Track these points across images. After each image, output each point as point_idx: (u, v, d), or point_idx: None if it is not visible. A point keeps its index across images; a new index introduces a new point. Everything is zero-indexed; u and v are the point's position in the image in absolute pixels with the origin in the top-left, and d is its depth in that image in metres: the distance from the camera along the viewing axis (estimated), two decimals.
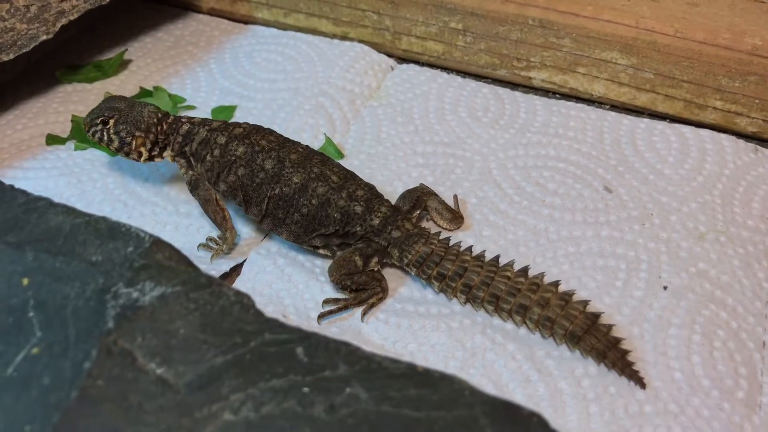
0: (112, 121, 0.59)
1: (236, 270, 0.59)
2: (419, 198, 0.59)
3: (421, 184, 0.62)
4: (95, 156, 0.67)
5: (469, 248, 0.54)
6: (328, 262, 0.56)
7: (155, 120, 0.59)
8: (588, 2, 0.68)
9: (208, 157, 0.58)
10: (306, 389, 0.36)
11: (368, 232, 0.55)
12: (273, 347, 0.38)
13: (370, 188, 0.57)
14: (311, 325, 0.54)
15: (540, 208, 0.61)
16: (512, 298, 0.51)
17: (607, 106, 0.71)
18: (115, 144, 0.59)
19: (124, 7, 0.82)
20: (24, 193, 0.45)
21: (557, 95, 0.73)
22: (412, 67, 0.77)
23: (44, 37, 0.67)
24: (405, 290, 0.56)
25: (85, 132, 0.61)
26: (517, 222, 0.61)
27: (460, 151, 0.67)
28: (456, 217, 0.60)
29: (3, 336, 0.38)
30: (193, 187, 0.59)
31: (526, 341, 0.52)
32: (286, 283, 0.57)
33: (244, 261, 0.59)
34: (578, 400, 0.48)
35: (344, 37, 0.80)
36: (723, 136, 0.66)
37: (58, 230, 0.42)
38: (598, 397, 0.48)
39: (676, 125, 0.68)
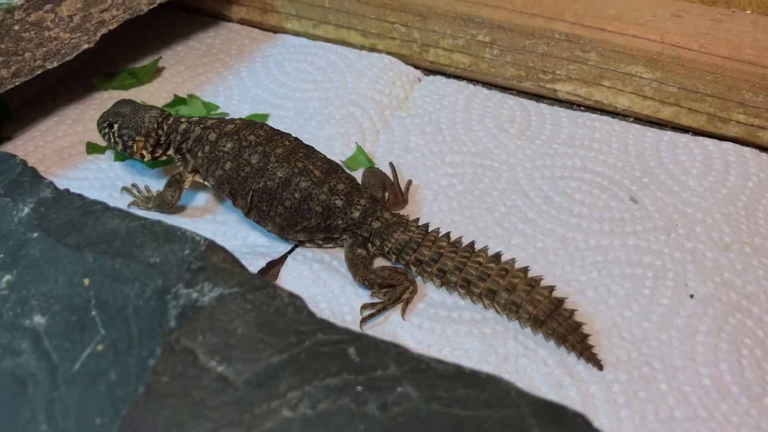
0: (116, 126, 0.63)
1: (272, 268, 0.60)
2: (382, 180, 0.63)
3: (375, 168, 0.65)
4: (134, 167, 0.68)
5: (447, 234, 0.57)
6: None
7: (155, 125, 0.63)
8: (614, 17, 0.70)
9: (200, 154, 0.61)
10: (359, 388, 0.38)
11: (350, 224, 0.58)
12: (326, 347, 0.39)
13: (352, 181, 0.60)
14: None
15: (568, 218, 0.63)
16: (482, 282, 0.54)
17: (631, 119, 0.73)
18: (120, 146, 0.64)
19: (156, 16, 0.84)
20: (80, 197, 0.47)
21: (582, 107, 0.75)
22: (439, 79, 0.79)
23: (86, 46, 0.69)
24: (437, 296, 0.58)
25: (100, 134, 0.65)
26: (545, 231, 0.62)
27: (488, 161, 0.69)
28: (398, 201, 0.64)
29: (68, 333, 0.40)
30: (169, 184, 0.63)
31: (556, 347, 0.53)
32: (321, 287, 0.59)
33: (279, 258, 0.61)
34: (609, 405, 0.50)
35: (372, 49, 0.82)
36: (746, 149, 0.68)
37: (115, 233, 0.44)
38: (628, 402, 0.50)
39: (700, 138, 0.69)
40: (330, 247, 0.61)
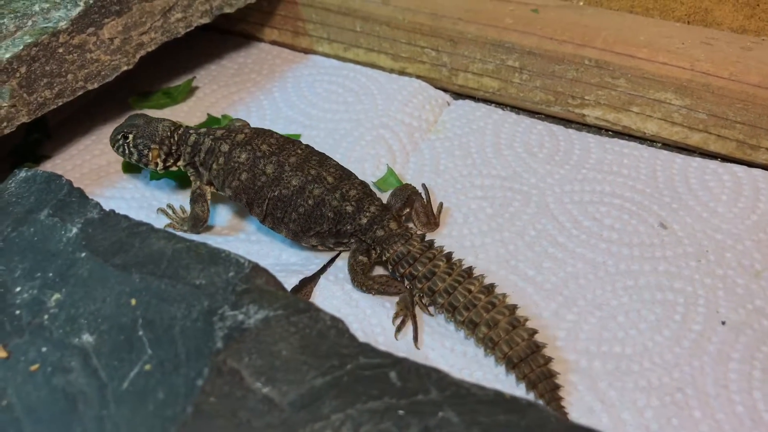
0: (131, 136, 0.65)
1: (305, 286, 0.61)
2: (409, 197, 0.64)
3: (410, 185, 0.65)
4: (170, 186, 0.70)
5: (448, 254, 0.58)
6: None
7: (168, 133, 0.65)
8: (644, 44, 0.70)
9: (214, 166, 0.62)
10: (401, 412, 0.38)
11: (357, 230, 0.60)
12: (368, 371, 0.40)
13: (364, 187, 0.61)
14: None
15: (598, 242, 0.64)
16: (466, 311, 0.54)
17: (659, 145, 0.74)
18: (135, 156, 0.65)
19: (190, 36, 0.86)
20: (126, 218, 0.48)
21: (610, 132, 0.76)
22: (468, 103, 0.80)
23: (125, 68, 0.71)
24: None
25: (112, 147, 0.67)
26: (575, 255, 0.63)
27: (518, 185, 0.70)
28: (430, 222, 0.65)
29: (116, 352, 0.41)
30: (194, 201, 0.64)
31: (587, 372, 0.54)
32: (353, 308, 0.60)
33: (311, 276, 0.62)
34: (641, 431, 0.50)
35: (402, 72, 0.83)
36: None
37: (161, 254, 0.45)
38: (661, 428, 0.50)
39: (728, 164, 0.70)
40: (340, 251, 0.63)
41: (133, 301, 0.43)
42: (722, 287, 0.59)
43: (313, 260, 0.63)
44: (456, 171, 0.72)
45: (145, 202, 0.68)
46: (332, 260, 0.63)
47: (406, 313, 0.57)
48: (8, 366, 0.41)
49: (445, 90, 0.82)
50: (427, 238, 0.60)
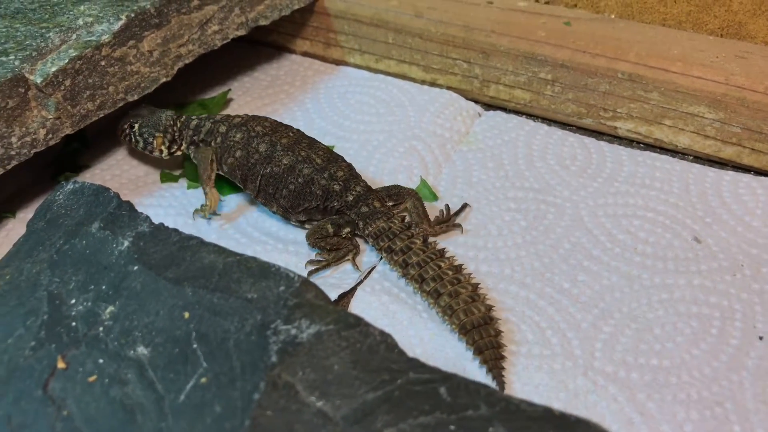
0: (137, 126, 0.70)
1: (342, 299, 0.62)
2: (401, 192, 0.67)
3: (413, 190, 0.68)
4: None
5: (426, 236, 0.61)
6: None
7: (171, 122, 0.70)
8: (677, 58, 0.71)
9: (213, 144, 0.67)
10: (452, 427, 0.39)
11: (343, 206, 0.64)
12: (418, 386, 0.41)
13: (350, 169, 0.66)
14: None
15: (632, 256, 0.64)
16: (433, 282, 0.58)
17: (691, 158, 0.74)
18: (141, 144, 0.71)
19: (224, 47, 0.87)
20: (176, 231, 0.49)
21: (641, 145, 0.76)
22: (499, 114, 0.81)
23: (164, 80, 0.72)
24: (505, 329, 0.59)
25: (119, 136, 0.72)
26: (610, 268, 0.63)
27: (551, 197, 0.70)
28: (422, 224, 0.66)
29: (171, 365, 0.42)
30: (198, 161, 0.68)
31: (626, 383, 0.54)
32: (390, 319, 0.60)
33: (349, 290, 0.63)
34: None
35: (433, 83, 0.84)
36: None
37: (212, 268, 0.46)
38: None
39: (762, 178, 0.70)
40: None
41: (186, 315, 0.44)
42: (759, 302, 0.59)
43: (351, 274, 0.64)
44: (489, 183, 0.72)
45: (182, 209, 0.70)
46: (369, 272, 0.64)
47: (328, 263, 0.63)
48: (67, 377, 0.42)
49: (475, 101, 0.83)
50: (462, 247, 0.61)
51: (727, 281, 0.61)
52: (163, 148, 0.70)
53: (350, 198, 0.64)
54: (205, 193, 0.67)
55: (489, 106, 0.83)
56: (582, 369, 0.56)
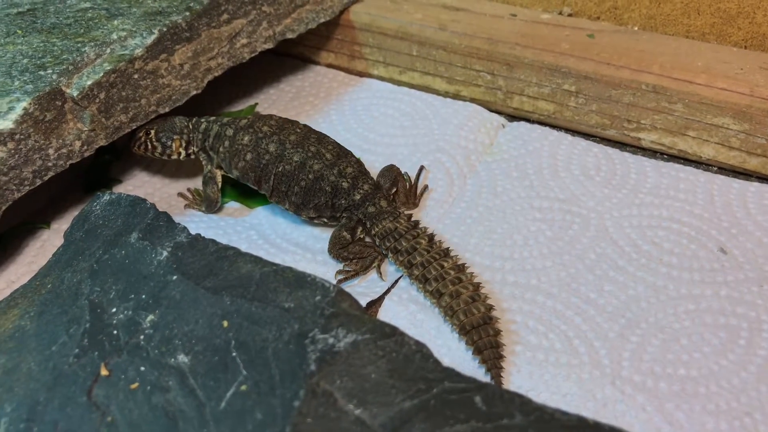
0: (153, 132, 0.71)
1: (370, 308, 0.63)
2: (395, 177, 0.70)
3: (395, 166, 0.71)
4: (236, 209, 0.72)
5: (431, 235, 0.63)
6: None
7: (185, 123, 0.72)
8: (702, 70, 0.71)
9: (221, 149, 0.68)
10: None
11: (350, 205, 0.65)
12: (453, 395, 0.42)
13: (360, 166, 0.67)
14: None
15: (658, 267, 0.65)
16: (435, 282, 0.59)
17: (715, 169, 0.75)
18: (159, 149, 0.72)
19: (250, 59, 0.89)
20: (213, 242, 0.50)
21: (665, 156, 0.77)
22: (523, 125, 0.82)
23: (194, 92, 0.73)
24: (533, 338, 0.60)
25: (131, 148, 0.73)
26: (636, 278, 0.64)
27: (576, 207, 0.71)
28: (409, 202, 0.71)
29: (212, 373, 0.43)
30: (205, 183, 0.70)
31: (654, 393, 0.55)
32: (418, 328, 0.61)
33: (377, 299, 0.63)
34: None
35: (456, 95, 0.85)
36: None
37: (249, 277, 0.47)
38: None
39: None
40: (333, 225, 0.68)
41: (225, 323, 0.45)
42: None
43: (378, 282, 0.65)
44: (514, 192, 0.73)
45: (212, 222, 0.71)
46: (396, 282, 0.65)
47: (356, 272, 0.64)
48: (110, 383, 0.43)
49: (499, 113, 0.84)
50: (489, 257, 0.63)
51: (754, 292, 0.62)
52: (181, 150, 0.71)
53: (357, 197, 0.65)
54: (206, 209, 0.71)
55: (512, 118, 0.83)
56: (610, 378, 0.56)
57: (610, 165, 0.76)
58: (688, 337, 0.59)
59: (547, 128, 0.81)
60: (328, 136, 0.69)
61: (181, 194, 0.74)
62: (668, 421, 0.53)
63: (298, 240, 0.69)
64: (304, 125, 0.69)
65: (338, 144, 0.68)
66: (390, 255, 0.63)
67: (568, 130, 0.81)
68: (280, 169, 0.65)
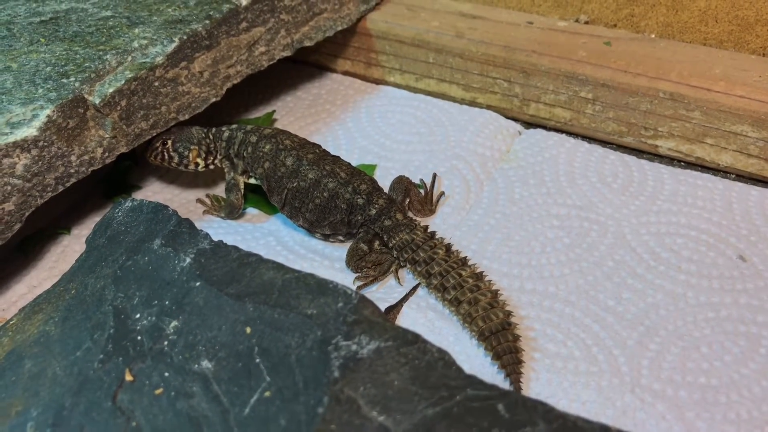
0: (170, 142, 0.71)
1: (388, 314, 0.63)
2: (407, 188, 0.71)
3: (405, 177, 0.72)
4: (254, 215, 0.73)
5: (448, 245, 0.63)
6: None
7: (203, 134, 0.72)
8: (720, 77, 0.71)
9: (245, 154, 0.69)
10: None
11: (366, 220, 0.65)
12: (476, 402, 0.42)
13: (373, 183, 0.68)
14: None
15: (676, 274, 0.64)
16: (454, 291, 0.60)
17: (733, 176, 0.74)
18: (176, 159, 0.72)
19: (267, 67, 0.89)
20: (236, 248, 0.51)
21: (682, 163, 0.77)
22: (539, 132, 0.82)
23: (213, 100, 0.74)
24: (552, 346, 0.60)
25: (148, 158, 0.73)
26: (655, 286, 0.64)
27: (593, 215, 0.71)
28: (424, 210, 0.71)
29: (235, 379, 0.43)
30: (228, 190, 0.71)
31: (674, 401, 0.55)
32: (437, 335, 0.61)
33: (395, 304, 0.64)
34: None
35: (472, 102, 0.85)
36: None
37: (271, 284, 0.48)
38: None
39: None
40: (348, 242, 0.68)
41: (248, 330, 0.45)
42: None
43: (396, 288, 0.65)
44: (531, 200, 0.73)
45: (231, 228, 0.71)
46: (414, 289, 0.65)
47: (375, 278, 0.64)
48: (135, 389, 0.44)
49: (515, 120, 0.84)
50: (506, 264, 0.63)
51: None
52: (199, 160, 0.71)
53: (373, 212, 0.65)
54: (225, 215, 0.71)
55: (529, 125, 0.84)
56: (629, 386, 0.56)
57: (627, 172, 0.76)
58: (708, 345, 0.58)
59: (564, 135, 0.81)
60: (342, 159, 0.69)
61: (200, 200, 0.74)
62: (688, 430, 0.53)
63: (316, 247, 0.69)
64: (322, 148, 0.70)
65: (352, 165, 0.69)
66: (408, 266, 0.64)
67: (584, 138, 0.81)
68: (294, 185, 0.66)
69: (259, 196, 0.74)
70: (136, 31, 0.70)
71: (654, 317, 0.61)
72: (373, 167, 0.78)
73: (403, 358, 0.43)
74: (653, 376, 0.57)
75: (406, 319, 0.63)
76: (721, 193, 0.72)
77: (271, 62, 0.79)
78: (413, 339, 0.44)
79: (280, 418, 0.41)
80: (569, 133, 0.82)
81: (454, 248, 0.64)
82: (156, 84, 0.69)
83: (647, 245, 0.67)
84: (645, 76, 0.74)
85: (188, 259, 0.50)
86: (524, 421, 0.41)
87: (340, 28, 0.84)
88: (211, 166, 0.73)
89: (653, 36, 0.82)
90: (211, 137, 0.72)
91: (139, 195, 0.75)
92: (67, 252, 0.69)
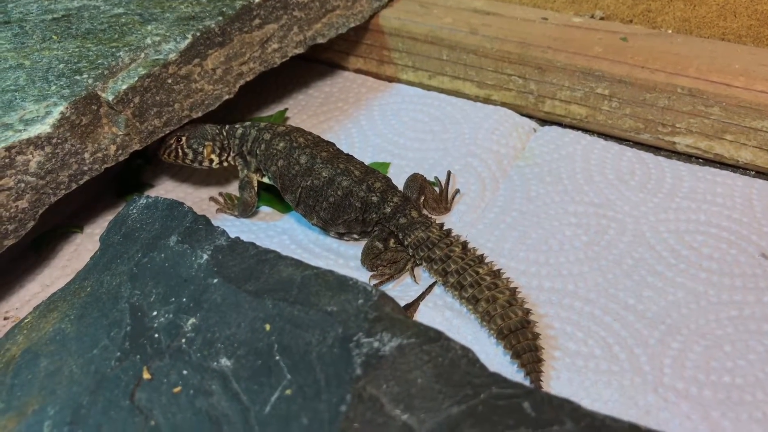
0: (184, 139, 0.70)
1: (406, 310, 0.62)
2: (421, 186, 0.70)
3: (419, 174, 0.71)
4: (267, 213, 0.72)
5: (464, 243, 0.62)
6: None
7: (217, 131, 0.71)
8: (740, 73, 0.70)
9: (258, 152, 0.69)
10: None
11: (381, 218, 0.64)
12: (501, 400, 0.41)
13: (387, 180, 0.67)
14: None
15: (697, 272, 0.63)
16: (471, 289, 0.59)
17: (752, 173, 0.73)
18: (190, 156, 0.71)
19: (279, 64, 0.89)
20: (253, 245, 0.50)
21: (700, 160, 0.76)
22: (555, 129, 0.81)
23: (226, 97, 0.73)
24: (572, 344, 0.59)
25: (161, 155, 0.72)
26: (676, 284, 0.63)
27: (611, 212, 0.70)
28: (439, 208, 0.71)
29: (255, 377, 0.42)
30: (242, 188, 0.70)
31: (699, 401, 0.54)
32: (455, 334, 0.60)
33: (412, 302, 0.63)
34: None
35: (487, 99, 0.84)
36: None
37: (290, 281, 0.47)
38: None
39: None
40: (363, 240, 0.67)
41: (267, 327, 0.45)
42: None
43: (412, 286, 0.64)
44: (548, 197, 0.72)
45: (245, 227, 0.71)
46: (431, 287, 0.64)
47: (391, 275, 0.64)
48: (153, 387, 0.43)
49: (530, 117, 0.83)
50: (524, 262, 0.62)
51: None
52: (213, 156, 0.71)
53: (388, 209, 0.64)
54: (239, 213, 0.70)
55: (544, 122, 0.83)
56: (652, 385, 0.55)
57: (644, 169, 0.75)
58: (732, 344, 0.57)
59: (580, 132, 0.80)
60: (356, 158, 0.69)
61: (212, 198, 0.73)
62: (714, 430, 0.52)
63: (330, 245, 0.69)
64: (336, 147, 0.69)
65: (365, 164, 0.68)
66: (424, 264, 0.63)
67: (600, 135, 0.80)
68: (308, 183, 0.65)
69: (273, 195, 0.73)
70: (149, 27, 0.70)
71: (675, 316, 0.60)
72: (386, 165, 0.77)
73: (426, 355, 0.42)
74: (676, 375, 0.56)
75: (423, 318, 0.62)
76: (741, 189, 0.71)
77: (284, 59, 0.78)
78: (436, 336, 0.43)
79: (302, 416, 0.40)
80: (585, 130, 0.81)
81: (470, 246, 0.63)
82: (169, 81, 0.68)
83: (667, 243, 0.66)
84: (663, 71, 0.73)
85: (205, 256, 0.49)
86: (551, 419, 0.40)
87: (352, 25, 0.83)
88: (225, 164, 0.72)
89: (670, 31, 0.81)
90: (224, 134, 0.71)
91: (151, 193, 0.75)
92: (80, 250, 0.68)
